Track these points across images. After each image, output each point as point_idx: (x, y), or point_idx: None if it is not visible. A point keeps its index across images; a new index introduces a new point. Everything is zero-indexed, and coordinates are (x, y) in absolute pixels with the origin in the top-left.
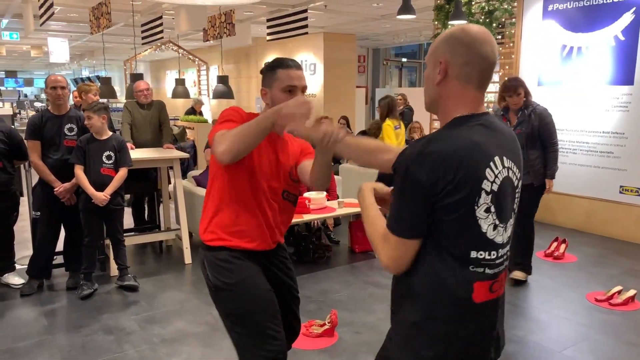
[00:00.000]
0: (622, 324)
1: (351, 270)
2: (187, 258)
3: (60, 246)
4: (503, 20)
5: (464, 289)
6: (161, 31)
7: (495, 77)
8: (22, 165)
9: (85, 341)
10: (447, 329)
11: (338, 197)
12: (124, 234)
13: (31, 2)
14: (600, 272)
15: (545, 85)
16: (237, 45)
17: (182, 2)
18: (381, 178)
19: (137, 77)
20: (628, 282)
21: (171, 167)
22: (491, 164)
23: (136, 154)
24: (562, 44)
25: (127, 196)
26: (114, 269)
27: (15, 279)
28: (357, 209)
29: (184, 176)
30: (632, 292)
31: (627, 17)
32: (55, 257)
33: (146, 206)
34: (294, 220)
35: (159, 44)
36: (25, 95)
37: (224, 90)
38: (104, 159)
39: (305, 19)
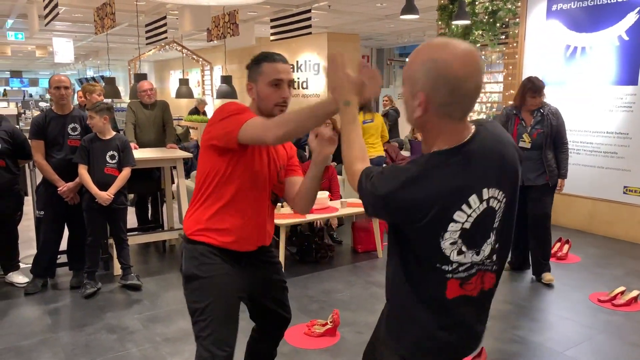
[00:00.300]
0: (625, 324)
1: (354, 270)
2: None
3: (64, 245)
4: (507, 20)
5: (437, 288)
6: (165, 31)
7: (499, 77)
8: (26, 165)
9: (89, 340)
10: (422, 319)
11: (341, 197)
12: (127, 234)
13: (36, 2)
14: (603, 273)
15: (549, 85)
16: (241, 46)
17: (186, 3)
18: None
19: (141, 77)
20: (631, 282)
21: (174, 167)
22: (464, 206)
23: (140, 153)
24: (566, 44)
25: (131, 196)
26: (117, 268)
27: (19, 278)
28: (360, 209)
29: (187, 176)
30: (635, 293)
31: (631, 17)
32: (59, 256)
33: (149, 206)
34: (297, 219)
35: (163, 44)
36: (30, 95)
37: (228, 90)
38: (108, 159)
39: (309, 19)
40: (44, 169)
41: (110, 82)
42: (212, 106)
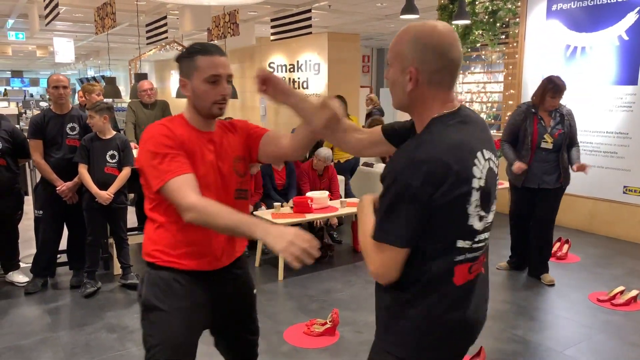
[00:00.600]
0: (624, 324)
1: (353, 270)
2: None
3: (64, 244)
4: (507, 20)
5: (446, 274)
6: (165, 31)
7: (499, 77)
8: (26, 164)
9: (89, 339)
10: (429, 313)
11: (341, 197)
12: (128, 233)
13: (37, 2)
14: (603, 273)
15: None
16: (241, 45)
17: (187, 2)
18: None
19: (141, 76)
20: (631, 282)
21: None
22: (476, 160)
23: None
24: (566, 44)
25: (131, 195)
26: (117, 268)
27: (19, 277)
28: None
29: None
30: (634, 293)
31: (631, 17)
32: (59, 255)
33: None
34: (297, 219)
35: (163, 44)
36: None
37: None
38: (108, 158)
39: (309, 18)
40: (43, 168)
41: (111, 81)
42: None
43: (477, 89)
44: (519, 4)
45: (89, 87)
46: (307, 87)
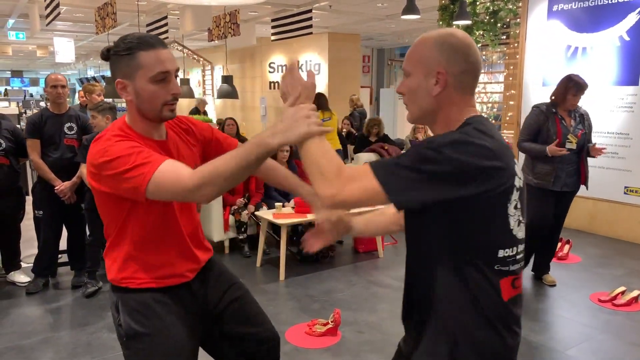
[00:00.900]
0: (625, 324)
1: (354, 270)
2: None
3: (65, 244)
4: (508, 20)
5: (493, 290)
6: (166, 31)
7: (500, 77)
8: (27, 164)
9: (90, 339)
10: (480, 335)
11: None
12: None
13: (37, 2)
14: (604, 273)
15: (550, 85)
16: (242, 45)
17: (187, 2)
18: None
19: None
20: (632, 283)
21: None
22: (515, 160)
23: None
24: (566, 44)
25: None
26: None
27: (21, 277)
28: (361, 210)
29: None
30: (635, 293)
31: (632, 18)
32: (60, 255)
33: None
34: (297, 219)
35: None
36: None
37: (229, 90)
38: None
39: (310, 19)
40: (41, 167)
41: (111, 82)
42: (212, 106)
43: (477, 89)
44: (520, 4)
45: (89, 87)
46: None
